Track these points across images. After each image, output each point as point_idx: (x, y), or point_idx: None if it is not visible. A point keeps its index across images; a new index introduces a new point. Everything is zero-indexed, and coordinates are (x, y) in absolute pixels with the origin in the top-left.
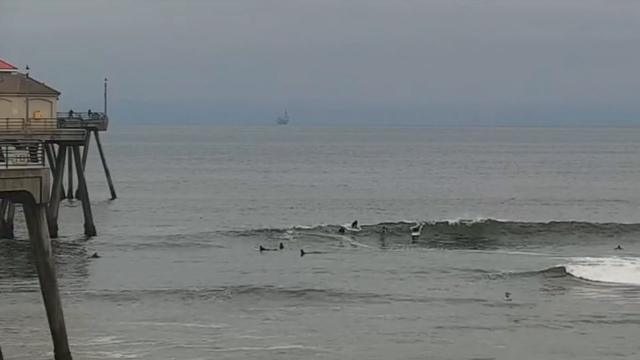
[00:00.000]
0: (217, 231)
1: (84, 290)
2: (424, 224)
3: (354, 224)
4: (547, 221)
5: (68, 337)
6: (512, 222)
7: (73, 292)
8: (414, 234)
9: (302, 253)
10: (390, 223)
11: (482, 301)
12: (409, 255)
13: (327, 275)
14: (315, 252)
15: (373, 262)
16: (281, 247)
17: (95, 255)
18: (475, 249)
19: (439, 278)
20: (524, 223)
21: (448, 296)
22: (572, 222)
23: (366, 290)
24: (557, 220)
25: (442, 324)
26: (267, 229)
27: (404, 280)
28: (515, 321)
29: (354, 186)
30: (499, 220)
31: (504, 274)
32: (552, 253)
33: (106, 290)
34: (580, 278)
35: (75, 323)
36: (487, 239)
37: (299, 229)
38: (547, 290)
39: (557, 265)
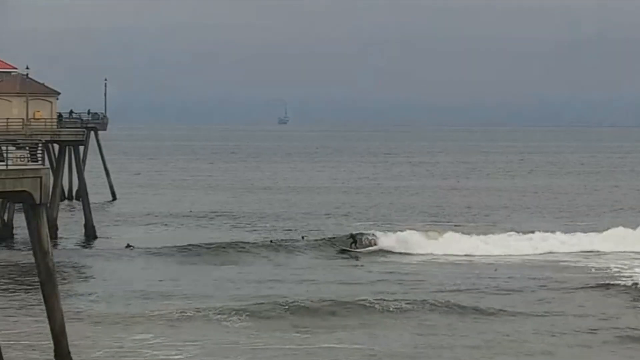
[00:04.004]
0: (217, 232)
1: (100, 290)
2: None
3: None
4: None
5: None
6: None
7: (79, 292)
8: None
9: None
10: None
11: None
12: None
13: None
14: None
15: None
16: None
17: (128, 246)
18: None
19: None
20: None
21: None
22: None
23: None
24: None
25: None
26: (272, 232)
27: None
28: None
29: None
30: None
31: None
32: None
33: (112, 291)
34: None
35: (96, 325)
36: None
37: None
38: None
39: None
